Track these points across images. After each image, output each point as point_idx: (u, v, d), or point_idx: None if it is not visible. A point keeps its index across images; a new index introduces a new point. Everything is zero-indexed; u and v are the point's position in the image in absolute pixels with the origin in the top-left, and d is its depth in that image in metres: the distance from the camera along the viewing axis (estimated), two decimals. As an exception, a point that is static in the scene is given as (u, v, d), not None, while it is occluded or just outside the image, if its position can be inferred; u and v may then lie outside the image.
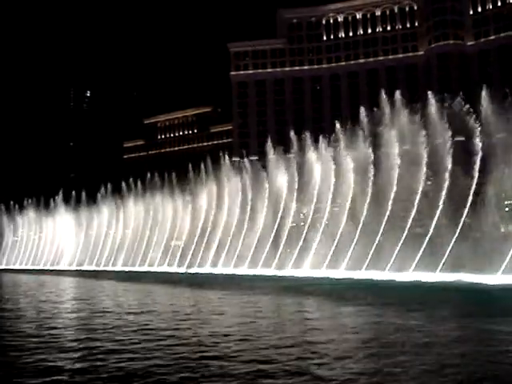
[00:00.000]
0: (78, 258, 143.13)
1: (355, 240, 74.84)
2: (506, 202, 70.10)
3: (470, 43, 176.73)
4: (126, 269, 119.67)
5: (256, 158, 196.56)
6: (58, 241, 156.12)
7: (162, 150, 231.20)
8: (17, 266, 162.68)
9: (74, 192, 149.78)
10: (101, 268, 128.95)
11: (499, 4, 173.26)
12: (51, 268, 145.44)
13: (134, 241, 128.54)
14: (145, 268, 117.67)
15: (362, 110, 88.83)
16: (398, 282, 58.10)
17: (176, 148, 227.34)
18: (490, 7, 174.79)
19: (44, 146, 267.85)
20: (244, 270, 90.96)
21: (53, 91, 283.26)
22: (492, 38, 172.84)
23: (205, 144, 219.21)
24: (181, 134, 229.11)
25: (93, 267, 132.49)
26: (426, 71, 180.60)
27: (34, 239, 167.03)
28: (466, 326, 27.43)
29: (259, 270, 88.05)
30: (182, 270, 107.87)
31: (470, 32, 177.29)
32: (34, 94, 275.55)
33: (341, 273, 71.54)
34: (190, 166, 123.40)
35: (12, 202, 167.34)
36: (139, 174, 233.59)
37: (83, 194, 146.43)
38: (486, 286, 49.59)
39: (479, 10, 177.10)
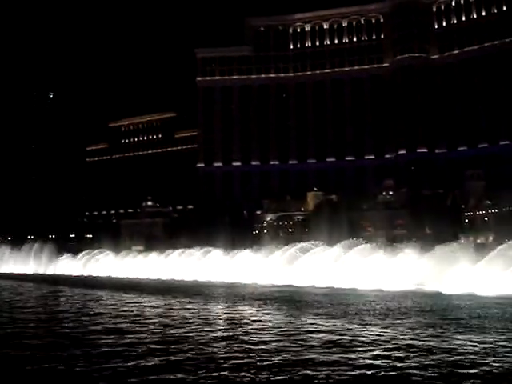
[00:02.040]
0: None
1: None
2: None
3: (434, 56, 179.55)
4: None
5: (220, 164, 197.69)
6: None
7: (126, 154, 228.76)
8: None
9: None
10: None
11: (463, 18, 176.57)
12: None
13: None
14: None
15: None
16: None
17: (140, 152, 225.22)
18: (455, 21, 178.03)
19: (5, 148, 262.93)
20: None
21: (15, 92, 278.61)
22: (456, 51, 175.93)
23: (169, 149, 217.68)
24: (145, 138, 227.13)
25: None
26: (391, 82, 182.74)
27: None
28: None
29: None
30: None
31: (434, 45, 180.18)
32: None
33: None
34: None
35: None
36: (102, 178, 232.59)
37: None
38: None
39: (444, 24, 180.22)
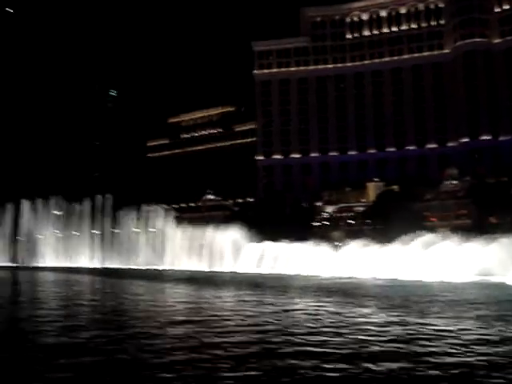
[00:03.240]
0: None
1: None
2: None
3: (496, 41, 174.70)
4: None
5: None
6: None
7: (186, 149, 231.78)
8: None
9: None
10: (125, 266, 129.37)
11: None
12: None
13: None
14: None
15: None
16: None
17: (200, 147, 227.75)
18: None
19: (69, 145, 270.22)
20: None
21: (79, 90, 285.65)
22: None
23: (228, 143, 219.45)
24: (205, 132, 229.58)
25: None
26: (452, 69, 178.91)
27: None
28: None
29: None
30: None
31: (496, 30, 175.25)
32: (59, 93, 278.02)
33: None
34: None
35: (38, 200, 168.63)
36: (163, 172, 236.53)
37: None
38: None
39: (505, 7, 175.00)
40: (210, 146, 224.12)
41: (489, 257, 55.01)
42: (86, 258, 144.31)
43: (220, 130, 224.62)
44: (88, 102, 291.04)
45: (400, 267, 59.59)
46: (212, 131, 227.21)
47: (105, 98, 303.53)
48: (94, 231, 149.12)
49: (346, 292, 43.88)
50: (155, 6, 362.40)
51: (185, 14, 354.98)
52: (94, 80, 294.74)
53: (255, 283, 56.30)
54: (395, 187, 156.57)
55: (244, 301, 37.15)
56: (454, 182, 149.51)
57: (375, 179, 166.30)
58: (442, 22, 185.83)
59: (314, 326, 24.86)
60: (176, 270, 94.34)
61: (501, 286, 48.22)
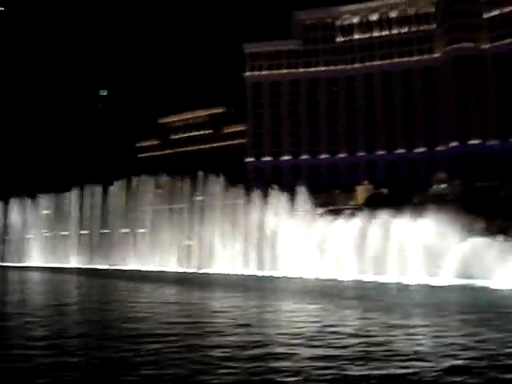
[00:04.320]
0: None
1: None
2: None
3: (485, 46, 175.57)
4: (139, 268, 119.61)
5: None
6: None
7: (176, 150, 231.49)
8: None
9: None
10: (113, 267, 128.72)
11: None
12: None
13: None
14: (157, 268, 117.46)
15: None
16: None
17: (190, 148, 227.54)
18: (507, 10, 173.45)
19: (58, 145, 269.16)
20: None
21: (68, 90, 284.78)
22: (507, 40, 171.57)
23: (218, 144, 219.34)
24: (195, 133, 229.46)
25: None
26: (442, 73, 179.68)
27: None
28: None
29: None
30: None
31: (485, 35, 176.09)
32: (49, 92, 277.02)
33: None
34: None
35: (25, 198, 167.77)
36: (153, 173, 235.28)
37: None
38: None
39: (495, 12, 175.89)
40: (199, 146, 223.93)
41: (474, 260, 55.28)
42: (74, 258, 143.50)
43: (210, 131, 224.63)
44: (78, 102, 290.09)
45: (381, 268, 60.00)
46: (202, 132, 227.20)
47: (95, 99, 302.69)
48: (83, 231, 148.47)
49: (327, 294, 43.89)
50: (147, 6, 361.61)
51: (176, 14, 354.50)
52: (84, 80, 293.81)
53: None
54: (384, 190, 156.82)
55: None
56: (443, 185, 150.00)
57: (365, 182, 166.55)
58: (433, 26, 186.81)
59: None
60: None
61: (483, 290, 48.48)
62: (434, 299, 44.05)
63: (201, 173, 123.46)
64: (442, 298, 44.42)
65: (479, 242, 57.45)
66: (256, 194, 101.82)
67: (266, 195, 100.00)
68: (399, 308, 36.66)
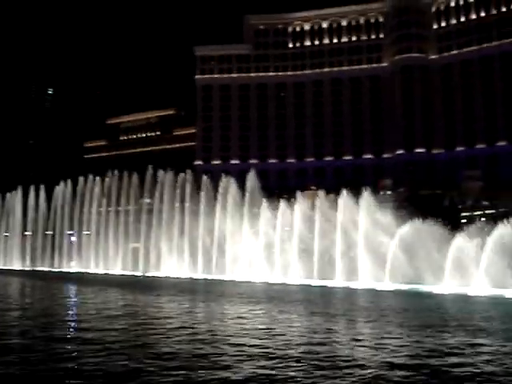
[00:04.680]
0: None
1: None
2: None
3: (433, 57, 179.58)
4: (82, 270, 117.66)
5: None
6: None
7: (125, 152, 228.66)
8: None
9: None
10: (56, 269, 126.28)
11: (463, 19, 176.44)
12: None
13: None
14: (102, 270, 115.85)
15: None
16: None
17: (138, 149, 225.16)
18: (454, 22, 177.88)
19: (2, 143, 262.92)
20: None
21: (14, 88, 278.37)
22: (454, 52, 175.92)
23: (167, 146, 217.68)
24: (143, 135, 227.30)
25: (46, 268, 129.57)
26: (390, 82, 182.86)
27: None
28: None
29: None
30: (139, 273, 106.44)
31: (433, 46, 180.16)
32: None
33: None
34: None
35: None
36: (100, 174, 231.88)
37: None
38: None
39: (443, 24, 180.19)
40: (148, 148, 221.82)
41: (418, 266, 56.37)
42: (18, 260, 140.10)
43: (159, 133, 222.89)
44: (24, 101, 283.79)
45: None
46: (151, 134, 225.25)
47: (42, 97, 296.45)
48: (26, 232, 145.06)
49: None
50: (98, 5, 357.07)
51: (129, 14, 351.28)
52: (30, 79, 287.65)
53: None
54: (331, 196, 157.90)
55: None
56: (389, 192, 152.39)
57: (312, 187, 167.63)
58: (382, 35, 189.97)
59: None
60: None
61: (422, 295, 49.37)
62: (371, 303, 44.64)
63: (149, 174, 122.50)
64: (378, 303, 45.05)
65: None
66: (204, 197, 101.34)
67: (214, 198, 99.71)
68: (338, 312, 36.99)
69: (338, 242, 69.94)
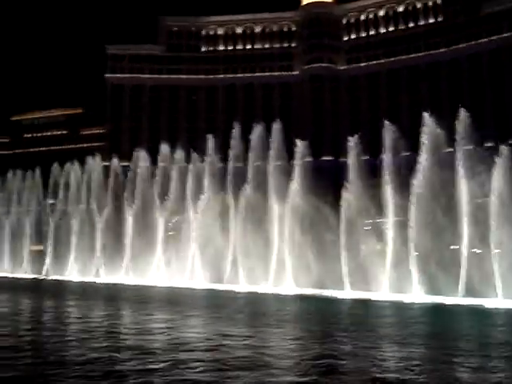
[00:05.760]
0: None
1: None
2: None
3: (342, 67, 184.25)
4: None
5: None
6: None
7: (29, 150, 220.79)
8: None
9: None
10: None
11: (372, 32, 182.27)
12: None
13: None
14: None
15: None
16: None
17: (43, 148, 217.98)
18: (364, 35, 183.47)
19: None
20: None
21: None
22: (362, 64, 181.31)
23: (74, 146, 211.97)
24: (49, 134, 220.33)
25: None
26: (300, 91, 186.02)
27: None
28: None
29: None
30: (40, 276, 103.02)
31: (343, 57, 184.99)
32: None
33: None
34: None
35: None
36: (1, 173, 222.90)
37: None
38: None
39: (353, 36, 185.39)
40: (54, 147, 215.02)
41: (324, 271, 57.63)
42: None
43: (65, 132, 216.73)
44: None
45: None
46: (57, 133, 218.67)
47: None
48: None
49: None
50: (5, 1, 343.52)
51: (37, 9, 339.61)
52: None
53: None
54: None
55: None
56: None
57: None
58: (294, 44, 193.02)
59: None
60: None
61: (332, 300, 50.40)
62: (272, 308, 45.11)
63: (53, 174, 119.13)
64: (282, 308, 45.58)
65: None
66: (109, 198, 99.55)
67: (116, 199, 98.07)
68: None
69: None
